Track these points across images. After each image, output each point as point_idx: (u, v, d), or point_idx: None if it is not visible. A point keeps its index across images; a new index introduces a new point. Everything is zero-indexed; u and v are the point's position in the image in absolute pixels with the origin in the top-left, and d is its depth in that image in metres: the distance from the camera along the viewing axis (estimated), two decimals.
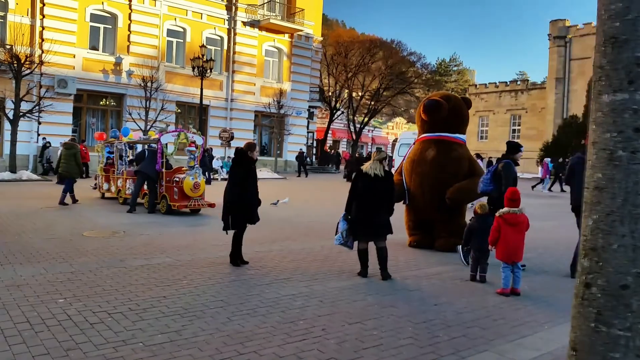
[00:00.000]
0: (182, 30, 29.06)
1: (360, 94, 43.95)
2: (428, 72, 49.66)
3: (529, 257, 7.42)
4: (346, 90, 43.20)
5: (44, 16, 24.19)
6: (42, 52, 23.14)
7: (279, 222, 11.01)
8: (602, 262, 2.47)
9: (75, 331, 4.20)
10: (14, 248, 7.40)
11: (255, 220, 6.99)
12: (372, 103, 42.41)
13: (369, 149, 62.57)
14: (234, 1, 30.58)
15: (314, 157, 40.34)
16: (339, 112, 44.76)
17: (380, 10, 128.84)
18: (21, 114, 20.66)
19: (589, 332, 2.50)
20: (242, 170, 6.81)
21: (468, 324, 4.81)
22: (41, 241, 7.98)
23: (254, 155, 6.90)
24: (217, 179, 23.98)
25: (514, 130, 48.91)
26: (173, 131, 12.27)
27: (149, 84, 24.54)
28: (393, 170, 8.27)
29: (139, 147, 15.20)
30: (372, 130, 65.61)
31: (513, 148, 7.44)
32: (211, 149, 25.84)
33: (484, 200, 6.60)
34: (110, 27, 26.67)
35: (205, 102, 27.54)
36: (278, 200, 14.10)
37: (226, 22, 30.59)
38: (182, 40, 29.14)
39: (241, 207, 6.78)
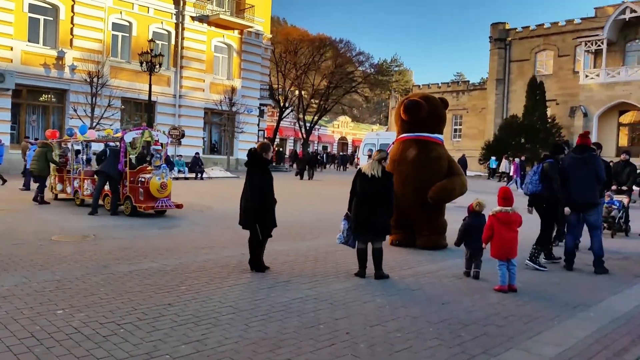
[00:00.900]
0: (127, 24, 27.94)
1: (310, 92, 43.93)
2: (373, 72, 50.41)
3: None
4: (296, 89, 43.08)
5: None
6: None
7: None
8: None
9: (90, 345, 3.91)
10: None
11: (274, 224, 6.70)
12: (322, 102, 42.53)
13: (316, 147, 62.86)
14: None
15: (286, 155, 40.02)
16: (288, 111, 44.58)
17: (327, 11, 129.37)
18: None
19: None
20: (260, 172, 6.53)
21: (483, 322, 4.88)
22: (8, 247, 7.41)
23: (268, 156, 6.69)
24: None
25: (455, 130, 50.45)
26: (137, 129, 11.73)
27: (94, 80, 23.40)
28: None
29: (94, 146, 14.52)
30: (319, 129, 65.92)
31: (558, 148, 7.74)
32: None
33: (481, 198, 6.73)
34: (52, 19, 25.23)
35: (152, 98, 26.60)
36: None
37: (174, 17, 29.70)
38: (128, 35, 28.03)
39: (264, 213, 6.46)
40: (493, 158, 36.22)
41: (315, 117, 43.14)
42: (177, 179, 21.74)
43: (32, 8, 24.56)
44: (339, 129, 73.64)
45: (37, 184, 13.11)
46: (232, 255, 7.46)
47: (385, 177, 6.47)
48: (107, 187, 11.61)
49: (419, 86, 54.81)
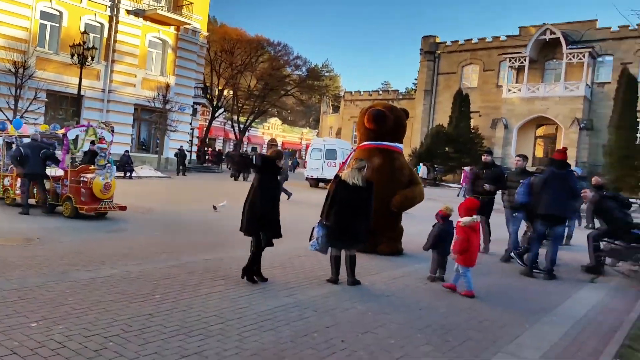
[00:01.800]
0: (58, 13, 26.32)
1: (246, 93, 43.43)
2: (306, 77, 50.66)
3: None
4: (230, 90, 42.45)
5: None
6: None
7: (200, 226, 10.56)
8: None
9: None
10: None
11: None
12: (256, 103, 42.20)
13: (245, 148, 62.25)
14: None
15: (206, 155, 39.16)
16: (221, 110, 43.79)
17: (267, 13, 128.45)
18: None
19: None
20: (273, 180, 6.39)
21: (462, 326, 5.09)
22: None
23: (281, 163, 6.52)
24: None
25: None
26: (80, 126, 11.08)
27: (20, 70, 21.82)
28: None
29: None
30: (249, 130, 65.33)
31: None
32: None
33: (448, 203, 7.00)
34: None
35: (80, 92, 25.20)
36: (215, 206, 13.29)
37: (108, 9, 28.33)
38: (57, 25, 26.40)
39: (274, 221, 6.28)
40: (421, 164, 37.60)
41: (250, 118, 42.69)
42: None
43: None
44: (269, 130, 73.40)
45: None
46: (194, 261, 7.24)
47: (367, 186, 6.55)
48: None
49: (351, 92, 55.91)
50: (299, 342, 4.34)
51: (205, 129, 43.31)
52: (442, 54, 46.77)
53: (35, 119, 21.16)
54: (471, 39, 45.70)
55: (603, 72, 39.16)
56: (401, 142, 9.30)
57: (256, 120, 72.70)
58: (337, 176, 6.84)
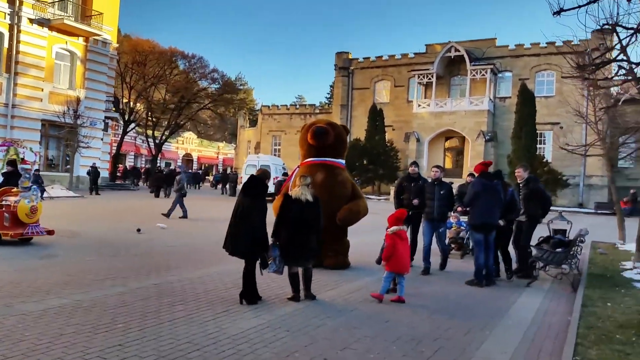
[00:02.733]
0: None
1: (160, 107, 42.07)
2: (221, 90, 50.12)
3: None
4: (142, 103, 40.97)
5: None
6: None
7: (133, 249, 10.12)
8: None
9: None
10: None
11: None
12: (171, 117, 41.04)
13: (159, 164, 60.18)
14: None
15: (118, 172, 37.25)
16: (133, 125, 42.08)
17: (181, 25, 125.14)
18: None
19: None
20: (263, 199, 6.42)
21: (430, 336, 5.34)
22: None
23: (268, 182, 6.58)
24: None
25: None
26: (1, 145, 10.26)
27: None
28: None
29: None
30: (163, 145, 63.30)
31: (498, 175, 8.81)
32: None
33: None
34: None
35: None
36: (139, 229, 12.77)
37: (8, 17, 26.38)
38: None
39: (266, 242, 6.37)
40: None
41: (166, 133, 41.40)
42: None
43: None
44: (184, 145, 71.58)
45: None
46: (144, 287, 6.97)
47: (317, 201, 6.69)
48: None
49: (269, 106, 55.92)
50: None
51: (117, 144, 41.36)
52: (355, 69, 48.23)
53: None
54: (382, 56, 47.53)
55: (504, 87, 42.33)
56: (343, 158, 9.56)
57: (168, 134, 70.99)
58: (286, 195, 6.92)
